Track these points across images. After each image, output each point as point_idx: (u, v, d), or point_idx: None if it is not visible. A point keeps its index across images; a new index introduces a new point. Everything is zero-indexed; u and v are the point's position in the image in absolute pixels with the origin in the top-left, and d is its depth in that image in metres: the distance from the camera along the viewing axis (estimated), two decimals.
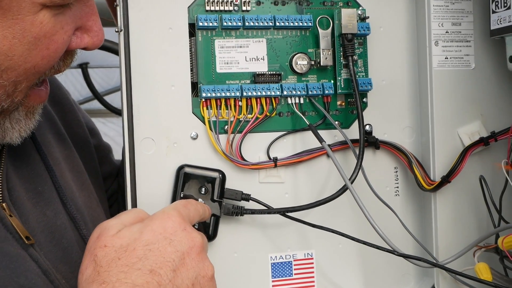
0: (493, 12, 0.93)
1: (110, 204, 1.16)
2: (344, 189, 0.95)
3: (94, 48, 0.88)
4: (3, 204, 0.86)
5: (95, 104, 4.03)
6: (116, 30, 0.91)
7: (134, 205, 0.93)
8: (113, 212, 1.13)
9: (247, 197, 0.97)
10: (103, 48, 2.57)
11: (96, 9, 0.87)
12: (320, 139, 0.97)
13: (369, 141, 1.02)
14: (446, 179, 0.97)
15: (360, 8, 1.02)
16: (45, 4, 0.78)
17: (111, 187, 1.17)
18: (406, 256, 0.93)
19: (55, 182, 0.96)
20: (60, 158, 1.01)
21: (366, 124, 1.03)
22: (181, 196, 0.95)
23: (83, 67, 3.85)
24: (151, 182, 0.96)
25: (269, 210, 0.97)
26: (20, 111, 0.87)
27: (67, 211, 0.95)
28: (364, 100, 1.03)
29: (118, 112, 3.76)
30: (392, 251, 0.92)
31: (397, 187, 1.05)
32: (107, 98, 4.08)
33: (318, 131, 1.00)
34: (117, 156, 1.23)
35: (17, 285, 0.81)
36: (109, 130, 4.57)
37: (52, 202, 0.94)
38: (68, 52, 0.87)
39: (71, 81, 4.24)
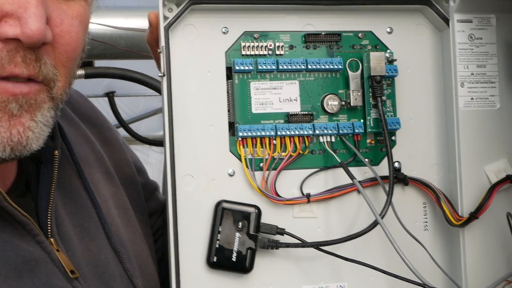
0: None
1: (155, 239, 1.20)
2: (375, 224, 1.00)
3: (28, 42, 0.79)
4: (51, 239, 0.91)
5: (121, 132, 4.11)
6: (160, 74, 0.96)
7: (176, 239, 0.97)
8: (158, 247, 1.18)
9: (282, 231, 1.02)
10: (134, 80, 2.64)
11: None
12: (351, 176, 1.02)
13: (398, 177, 1.06)
14: (474, 215, 1.01)
15: (388, 51, 1.07)
16: None
17: (156, 223, 1.23)
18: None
19: (101, 218, 1.01)
20: (108, 196, 1.07)
21: (395, 161, 1.08)
22: (219, 230, 1.00)
23: (110, 96, 3.95)
24: (191, 216, 1.01)
25: (303, 244, 1.02)
26: None
27: (111, 246, 1.00)
28: (393, 138, 1.08)
29: (142, 140, 3.84)
30: (423, 285, 0.96)
31: (426, 222, 1.09)
32: (132, 126, 4.16)
33: (349, 168, 1.05)
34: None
35: None
36: None
37: (97, 237, 0.99)
38: (11, 47, 0.79)
39: None
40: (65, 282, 0.90)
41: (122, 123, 3.83)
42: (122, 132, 3.96)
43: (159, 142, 4.99)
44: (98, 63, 2.90)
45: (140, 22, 2.55)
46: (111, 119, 4.22)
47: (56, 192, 0.96)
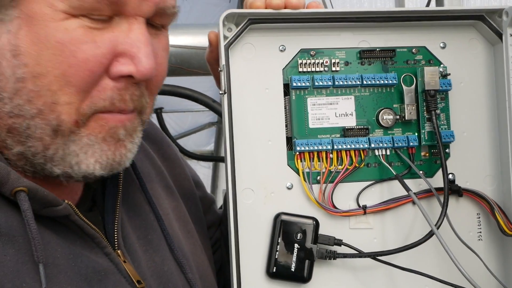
0: None
1: (213, 251, 1.25)
2: (430, 234, 1.02)
3: (140, 78, 0.88)
4: (118, 251, 0.97)
5: None
6: (221, 92, 1.01)
7: (237, 250, 1.01)
8: (216, 259, 1.23)
9: (339, 242, 1.05)
10: (184, 96, 2.70)
11: (147, 37, 0.88)
12: (407, 188, 1.04)
13: (452, 189, 1.08)
14: None
15: (442, 65, 1.10)
16: (68, 12, 0.83)
17: (215, 235, 1.27)
18: None
19: (163, 231, 1.06)
20: (169, 209, 1.12)
21: (449, 173, 1.10)
22: (278, 242, 1.04)
23: (158, 112, 4.02)
24: (251, 228, 1.04)
25: (360, 254, 1.05)
26: (92, 138, 0.89)
27: (174, 257, 1.05)
28: (447, 150, 1.10)
29: (190, 155, 3.90)
30: None
31: (480, 232, 1.11)
32: (180, 142, 4.23)
33: (404, 180, 1.07)
34: None
35: None
36: None
37: (160, 249, 1.04)
38: (121, 84, 0.88)
39: None
40: None
41: (171, 139, 3.89)
42: None
43: (206, 157, 5.06)
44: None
45: (190, 40, 2.61)
46: None
47: (121, 206, 1.01)
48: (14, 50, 0.83)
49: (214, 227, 1.27)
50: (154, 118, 4.08)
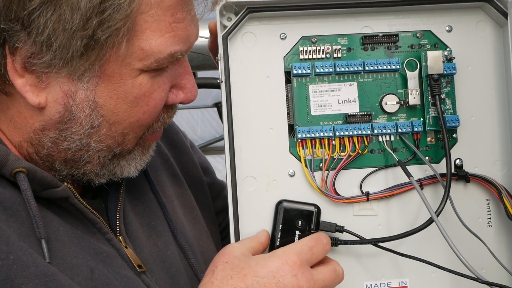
0: None
1: (223, 236, 1.27)
2: (430, 221, 1.01)
3: (188, 102, 1.02)
4: (120, 237, 1.01)
5: None
6: (219, 81, 1.02)
7: (237, 237, 1.03)
8: (225, 244, 1.24)
9: (341, 229, 1.05)
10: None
11: (190, 68, 1.01)
12: (408, 174, 1.03)
13: (459, 174, 1.07)
14: None
15: (447, 49, 1.08)
16: (143, 69, 0.91)
17: (224, 221, 1.29)
18: (489, 284, 0.98)
19: (166, 217, 1.09)
20: (173, 196, 1.14)
21: (456, 159, 1.08)
22: (280, 228, 1.04)
23: (218, 106, 4.05)
24: (253, 216, 1.05)
25: (361, 241, 1.04)
26: (136, 152, 1.02)
27: (177, 243, 1.08)
28: (454, 135, 1.09)
29: None
30: (476, 279, 0.97)
31: (490, 218, 1.09)
32: None
33: (410, 166, 1.07)
34: None
35: None
36: None
37: (164, 235, 1.07)
38: (168, 106, 1.01)
39: (207, 120, 4.47)
40: (134, 275, 0.98)
41: None
42: None
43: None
44: (201, 74, 3.01)
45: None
46: (221, 129, 4.35)
47: (125, 194, 1.05)
48: (92, 105, 0.92)
49: (224, 213, 1.29)
50: (215, 112, 4.12)
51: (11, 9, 0.86)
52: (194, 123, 4.37)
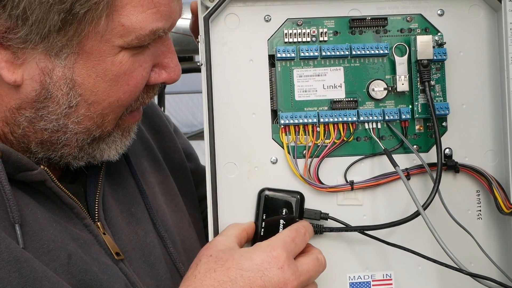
0: None
1: (205, 224, 1.24)
2: (416, 213, 0.97)
3: (172, 82, 0.98)
4: (98, 223, 0.97)
5: None
6: (199, 63, 0.99)
7: (216, 225, 1.00)
8: (207, 232, 1.21)
9: (325, 216, 1.02)
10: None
11: (173, 47, 0.96)
12: (394, 164, 1.00)
13: (448, 164, 1.03)
14: None
15: (438, 34, 1.04)
16: (124, 46, 0.87)
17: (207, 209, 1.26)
18: (472, 275, 0.95)
19: (146, 204, 1.06)
20: (155, 183, 1.11)
21: (446, 148, 1.04)
22: (263, 217, 1.01)
23: None
24: (234, 203, 1.02)
25: (347, 228, 1.01)
26: (115, 134, 0.98)
27: (156, 231, 1.04)
28: (444, 124, 1.05)
29: None
30: (459, 270, 0.94)
31: (479, 210, 1.05)
32: None
33: (397, 155, 1.03)
34: None
35: None
36: None
37: (143, 222, 1.04)
38: (149, 86, 0.96)
39: None
40: (111, 262, 0.95)
41: None
42: None
43: None
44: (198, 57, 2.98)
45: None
46: None
47: (105, 179, 1.02)
48: (69, 83, 0.89)
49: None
50: None
51: None
52: (194, 108, 4.34)
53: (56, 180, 0.94)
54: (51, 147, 0.94)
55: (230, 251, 0.91)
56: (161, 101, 2.90)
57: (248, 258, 0.89)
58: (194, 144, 1.36)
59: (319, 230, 1.01)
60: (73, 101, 0.90)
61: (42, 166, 0.92)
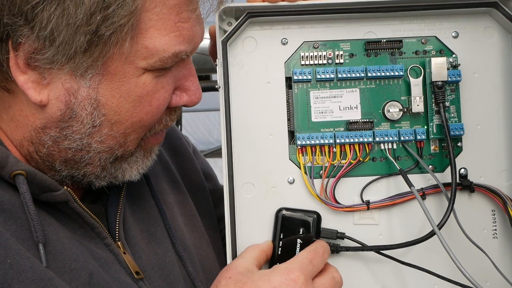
0: None
1: (225, 243, 1.25)
2: (431, 233, 0.98)
3: (192, 105, 1.00)
4: (118, 243, 0.99)
5: None
6: (217, 86, 1.01)
7: (234, 245, 1.01)
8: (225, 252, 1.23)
9: (342, 236, 1.03)
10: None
11: (194, 70, 0.99)
12: (409, 184, 1.01)
13: (463, 184, 1.04)
14: None
15: (453, 55, 1.06)
16: (147, 68, 0.90)
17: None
18: None
19: (166, 225, 1.08)
20: (174, 203, 1.13)
21: (461, 168, 1.05)
22: (281, 237, 1.02)
23: None
24: (252, 223, 1.04)
25: (363, 248, 1.03)
26: (137, 155, 1.00)
27: (175, 250, 1.06)
28: (459, 144, 1.06)
29: None
30: None
31: (495, 229, 1.06)
32: None
33: (413, 175, 1.04)
34: None
35: None
36: None
37: (163, 242, 1.05)
38: (171, 109, 0.99)
39: None
40: (132, 282, 0.97)
41: None
42: None
43: None
44: (215, 76, 3.02)
45: None
46: None
47: (125, 200, 1.04)
48: (94, 103, 0.91)
49: None
50: None
51: (14, 3, 0.85)
52: (210, 126, 4.37)
53: (78, 201, 0.96)
54: (74, 165, 0.96)
55: (248, 273, 0.93)
56: (179, 119, 2.93)
57: (266, 281, 0.91)
58: (211, 161, 1.38)
59: (335, 250, 1.03)
60: (97, 121, 0.92)
61: (65, 187, 0.94)
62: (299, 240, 1.02)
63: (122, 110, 0.92)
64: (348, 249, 1.03)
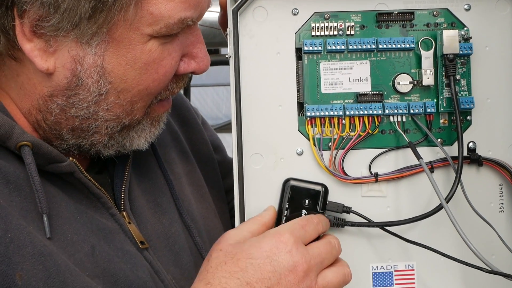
0: None
1: (232, 215, 1.26)
2: (439, 207, 0.99)
3: (201, 72, 1.00)
4: (123, 213, 1.00)
5: None
6: (227, 56, 1.01)
7: (243, 215, 1.02)
8: (233, 223, 1.23)
9: (348, 210, 1.03)
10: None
11: (202, 37, 0.99)
12: (418, 156, 1.01)
13: (471, 158, 1.04)
14: None
15: (464, 28, 1.05)
16: (153, 35, 0.90)
17: (233, 200, 1.28)
18: (495, 273, 0.95)
19: (173, 194, 1.08)
20: (182, 173, 1.13)
21: (470, 142, 1.05)
22: (287, 207, 1.03)
23: None
24: (260, 194, 1.04)
25: (369, 224, 1.03)
26: (144, 123, 1.00)
27: (182, 220, 1.07)
28: (468, 118, 1.06)
29: None
30: (481, 268, 0.94)
31: (502, 203, 1.06)
32: None
33: (421, 148, 1.04)
34: None
35: (136, 276, 0.94)
36: None
37: (169, 212, 1.06)
38: (178, 76, 0.99)
39: None
40: (136, 251, 0.98)
41: None
42: None
43: None
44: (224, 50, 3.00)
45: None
46: None
47: (132, 170, 1.04)
48: (100, 70, 0.91)
49: (233, 192, 1.28)
50: None
51: None
52: (219, 100, 4.36)
53: (84, 171, 0.96)
54: (81, 134, 0.96)
55: (239, 244, 0.92)
56: (187, 94, 2.93)
57: (256, 247, 0.91)
58: (219, 136, 1.38)
59: (340, 224, 1.03)
60: (103, 89, 0.93)
61: (71, 158, 0.94)
62: (304, 211, 1.03)
63: (128, 78, 0.92)
64: (353, 224, 1.03)
